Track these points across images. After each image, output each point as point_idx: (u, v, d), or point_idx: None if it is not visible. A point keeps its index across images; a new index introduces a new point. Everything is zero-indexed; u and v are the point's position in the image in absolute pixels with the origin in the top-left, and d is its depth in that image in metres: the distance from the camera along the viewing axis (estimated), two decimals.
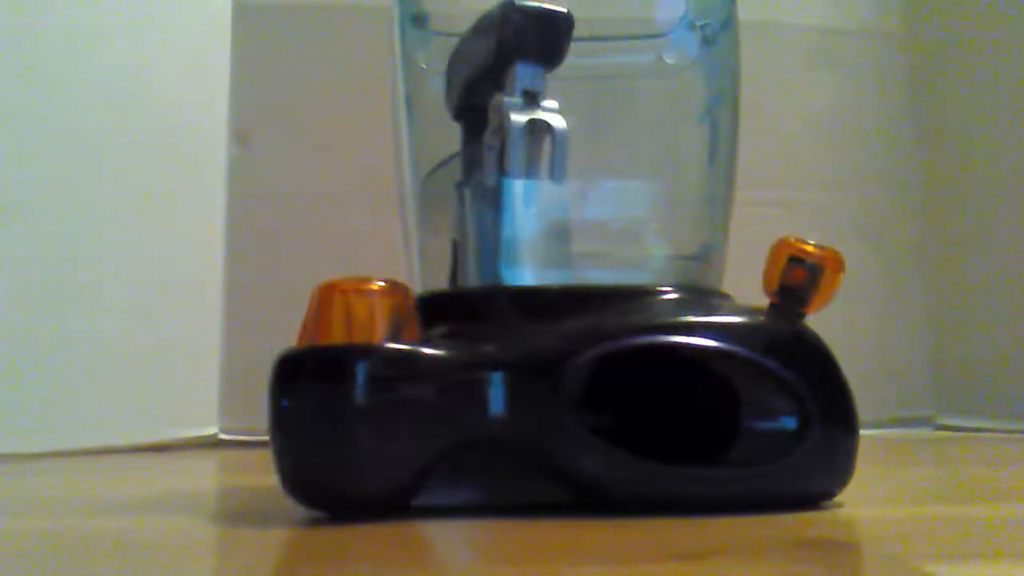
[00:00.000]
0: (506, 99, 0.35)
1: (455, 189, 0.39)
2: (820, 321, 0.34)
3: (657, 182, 0.41)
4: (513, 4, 0.35)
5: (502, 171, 0.35)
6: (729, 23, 0.42)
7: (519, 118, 0.34)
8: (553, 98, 0.35)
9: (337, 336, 0.32)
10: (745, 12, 0.42)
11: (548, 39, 0.35)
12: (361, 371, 0.31)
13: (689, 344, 0.32)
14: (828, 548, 0.27)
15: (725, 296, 0.38)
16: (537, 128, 0.34)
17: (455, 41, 0.39)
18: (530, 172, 0.35)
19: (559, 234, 0.38)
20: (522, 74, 0.35)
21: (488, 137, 0.36)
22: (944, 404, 0.80)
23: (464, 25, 0.38)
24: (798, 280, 0.34)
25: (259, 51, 0.72)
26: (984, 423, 0.76)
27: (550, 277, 0.37)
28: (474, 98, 0.37)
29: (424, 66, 0.44)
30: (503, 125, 0.34)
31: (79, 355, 0.62)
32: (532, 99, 0.35)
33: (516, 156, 0.34)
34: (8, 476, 0.51)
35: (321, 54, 0.72)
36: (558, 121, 0.35)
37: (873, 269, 0.78)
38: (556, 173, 0.35)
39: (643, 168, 0.41)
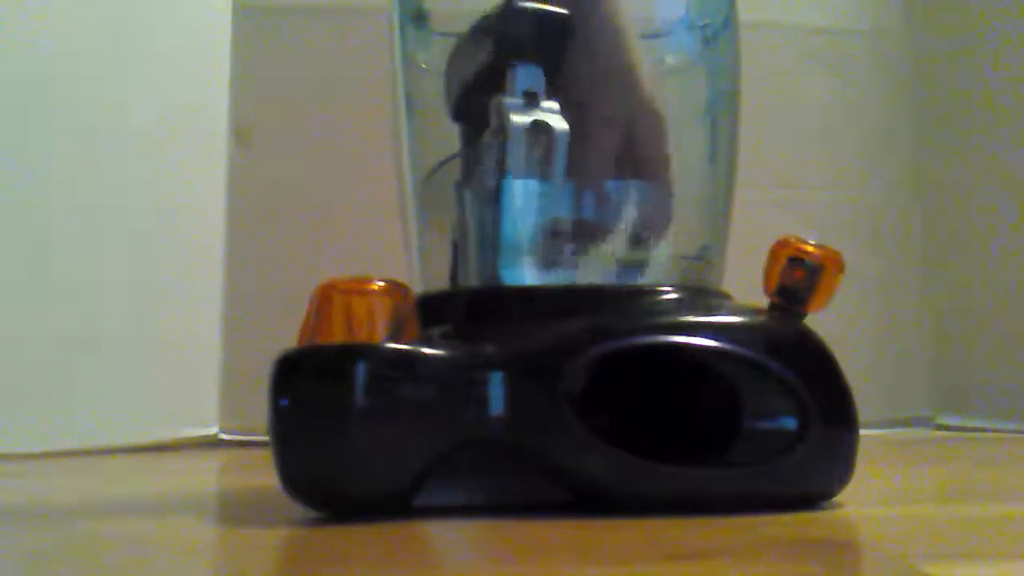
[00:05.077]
0: (507, 100, 0.35)
1: (455, 189, 0.39)
2: (820, 321, 0.34)
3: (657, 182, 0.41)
4: (513, 5, 0.35)
5: (502, 172, 0.35)
6: (729, 23, 0.42)
7: (520, 119, 0.34)
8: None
9: (337, 336, 0.32)
10: (745, 12, 0.42)
11: (548, 40, 0.35)
12: (361, 371, 0.31)
13: (689, 344, 0.32)
14: (828, 548, 0.27)
15: (725, 296, 0.38)
16: (538, 130, 0.34)
17: (455, 41, 0.39)
18: (530, 173, 0.35)
19: (559, 234, 0.38)
20: (522, 75, 0.35)
21: (488, 138, 0.36)
22: (944, 404, 0.80)
23: (464, 25, 0.38)
24: (798, 280, 0.34)
25: (259, 51, 0.72)
26: (984, 423, 0.76)
27: (550, 277, 0.37)
28: (474, 99, 0.37)
29: (424, 66, 0.44)
30: (504, 126, 0.34)
31: (79, 355, 0.62)
32: (532, 100, 0.35)
33: (517, 157, 0.34)
34: (8, 476, 0.51)
35: (321, 54, 0.72)
36: (558, 122, 0.35)
37: (873, 269, 0.78)
38: (556, 174, 0.35)
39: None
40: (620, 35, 0.38)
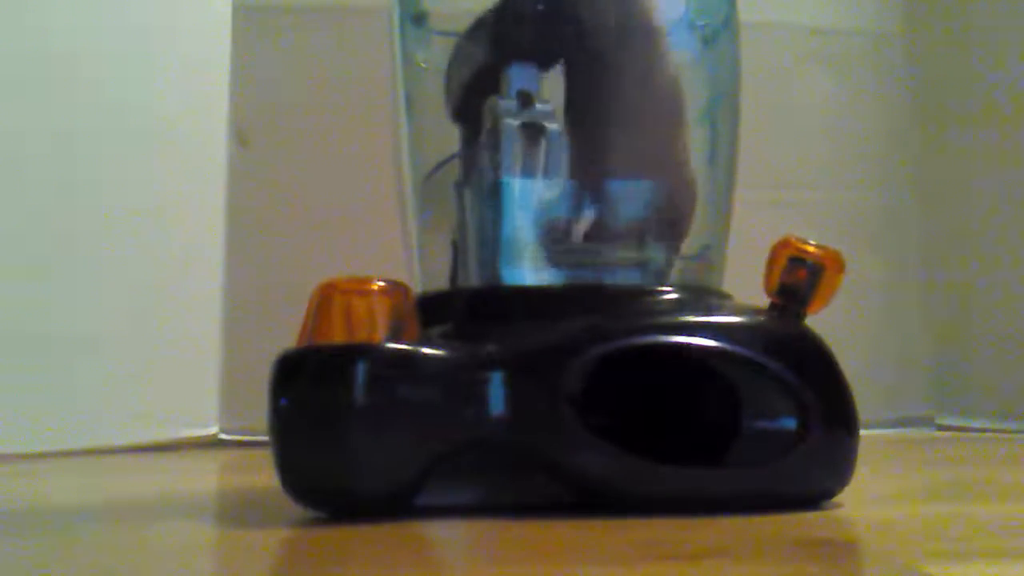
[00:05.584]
0: (500, 101, 0.35)
1: (455, 189, 0.39)
2: (820, 321, 0.34)
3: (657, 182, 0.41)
4: (508, 5, 0.35)
5: (499, 172, 0.35)
6: (729, 23, 0.42)
7: (512, 121, 0.34)
8: (553, 97, 0.35)
9: (337, 336, 0.32)
10: (745, 12, 0.42)
11: (543, 39, 0.35)
12: (361, 371, 0.31)
13: (689, 344, 0.32)
14: (828, 548, 0.27)
15: (725, 296, 0.38)
16: (530, 130, 0.34)
17: (455, 41, 0.39)
18: (525, 172, 0.35)
19: (559, 234, 0.38)
20: (516, 75, 0.35)
21: (484, 138, 0.36)
22: (944, 404, 0.79)
23: (464, 25, 0.38)
24: (799, 280, 0.34)
25: (259, 51, 0.72)
26: (984, 423, 0.76)
27: (550, 277, 0.37)
28: (472, 100, 0.37)
29: (424, 66, 0.44)
30: (497, 127, 0.35)
31: (79, 355, 0.62)
32: (527, 100, 0.35)
33: (511, 157, 0.35)
34: (8, 476, 0.51)
35: (321, 54, 0.72)
36: (551, 122, 0.35)
37: (873, 269, 0.78)
38: (550, 172, 0.35)
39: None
40: (632, 30, 0.38)
